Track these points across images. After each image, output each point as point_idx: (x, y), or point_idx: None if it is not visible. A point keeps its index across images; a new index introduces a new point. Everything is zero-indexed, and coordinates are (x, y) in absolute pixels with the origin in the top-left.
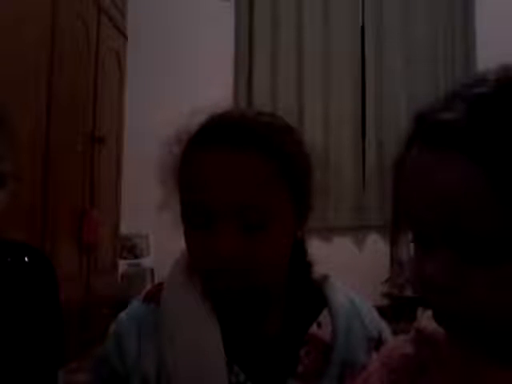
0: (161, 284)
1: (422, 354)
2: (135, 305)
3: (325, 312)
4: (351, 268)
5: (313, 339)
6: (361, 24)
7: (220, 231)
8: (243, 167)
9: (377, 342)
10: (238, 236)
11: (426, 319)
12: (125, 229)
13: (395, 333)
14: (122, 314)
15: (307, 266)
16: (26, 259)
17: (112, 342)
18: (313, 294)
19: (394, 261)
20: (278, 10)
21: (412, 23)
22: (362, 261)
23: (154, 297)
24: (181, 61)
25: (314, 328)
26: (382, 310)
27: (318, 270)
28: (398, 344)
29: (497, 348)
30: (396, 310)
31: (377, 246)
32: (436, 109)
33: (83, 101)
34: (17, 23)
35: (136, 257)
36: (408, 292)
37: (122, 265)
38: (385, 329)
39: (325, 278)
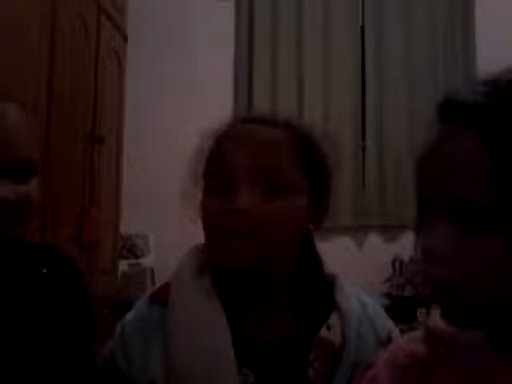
0: (166, 284)
1: (431, 353)
2: (141, 306)
3: (334, 315)
4: (351, 268)
5: (322, 343)
6: (361, 24)
7: (238, 190)
8: (269, 136)
9: (387, 343)
10: (255, 194)
11: (434, 318)
12: (125, 229)
13: None
14: (129, 316)
15: (316, 263)
16: (56, 264)
17: (118, 343)
18: (322, 294)
19: (416, 252)
20: (278, 11)
21: (412, 23)
22: (362, 261)
23: (160, 297)
24: (181, 60)
25: (323, 331)
26: None
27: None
28: (405, 342)
29: (502, 338)
30: (396, 310)
31: (377, 246)
32: (459, 91)
33: (83, 101)
34: (17, 23)
35: (136, 257)
36: (408, 292)
37: (122, 265)
38: (393, 328)
39: (334, 277)
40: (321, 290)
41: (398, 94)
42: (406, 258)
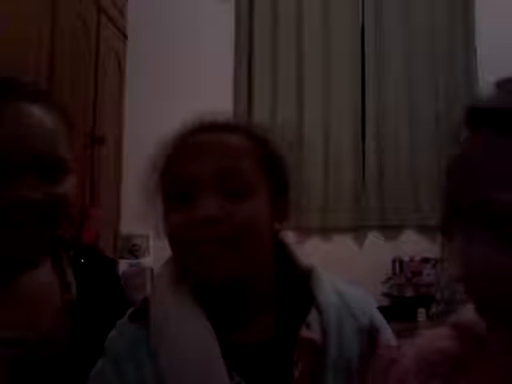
0: (145, 300)
1: (462, 349)
2: (124, 325)
3: (313, 311)
4: (351, 268)
5: (304, 342)
6: (361, 24)
7: (202, 199)
8: (228, 140)
9: (368, 329)
10: (218, 200)
11: (462, 314)
12: (125, 229)
13: (395, 333)
14: (115, 336)
15: (292, 262)
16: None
17: (109, 365)
18: (301, 290)
19: (443, 259)
20: (278, 11)
21: (412, 23)
22: (362, 261)
23: (140, 315)
24: (181, 61)
25: (303, 330)
26: (381, 310)
27: (305, 262)
28: (432, 339)
29: None
30: (396, 310)
31: (377, 246)
32: (490, 96)
33: (83, 101)
34: (17, 23)
35: (136, 257)
36: (408, 292)
37: (122, 265)
38: (375, 313)
39: (310, 271)
40: (299, 287)
41: (398, 94)
42: (406, 258)
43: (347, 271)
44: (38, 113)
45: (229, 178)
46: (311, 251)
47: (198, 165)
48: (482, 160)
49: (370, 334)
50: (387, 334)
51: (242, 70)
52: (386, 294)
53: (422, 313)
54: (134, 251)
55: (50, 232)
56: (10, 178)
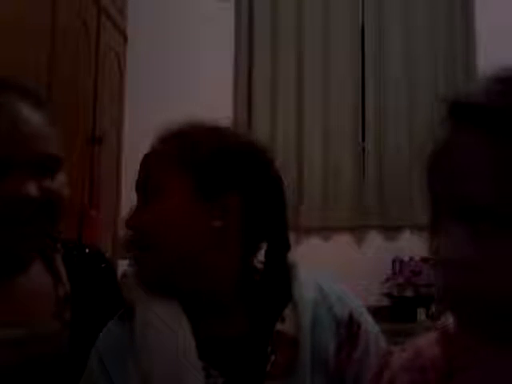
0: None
1: (452, 355)
2: (113, 323)
3: (290, 306)
4: (351, 268)
5: (278, 335)
6: (361, 24)
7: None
8: (153, 150)
9: (347, 323)
10: (137, 207)
11: (446, 319)
12: (124, 228)
13: (395, 333)
14: (103, 334)
15: (273, 260)
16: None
17: (96, 362)
18: (280, 288)
19: (431, 255)
20: (278, 11)
21: (412, 23)
22: (362, 261)
23: (127, 313)
24: (181, 61)
25: (278, 324)
26: (382, 310)
27: (292, 259)
28: (421, 345)
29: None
30: (396, 310)
31: (377, 246)
32: (471, 90)
33: (83, 101)
34: (17, 23)
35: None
36: (408, 292)
37: (122, 265)
38: (356, 308)
39: (291, 268)
40: (278, 283)
41: (398, 93)
42: (406, 258)
43: (347, 271)
44: (33, 112)
45: (144, 183)
46: (311, 251)
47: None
48: (457, 154)
49: (350, 328)
50: (371, 330)
51: (241, 70)
52: (386, 294)
53: (421, 313)
54: None
55: (48, 229)
56: (7, 176)
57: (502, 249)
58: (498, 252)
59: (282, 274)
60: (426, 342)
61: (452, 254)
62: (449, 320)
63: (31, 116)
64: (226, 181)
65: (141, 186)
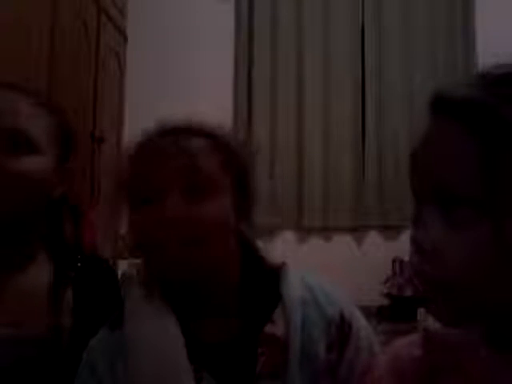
0: (122, 307)
1: (433, 358)
2: (104, 333)
3: (279, 307)
4: (351, 268)
5: (267, 337)
6: (361, 24)
7: (165, 198)
8: (189, 142)
9: (338, 322)
10: (182, 198)
11: (428, 320)
12: (124, 229)
13: (395, 333)
14: (93, 343)
15: (259, 261)
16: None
17: (86, 370)
18: (269, 289)
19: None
20: (278, 11)
21: (412, 23)
22: (362, 261)
23: (117, 321)
24: (181, 61)
25: (268, 326)
26: (382, 310)
27: (272, 260)
28: (406, 346)
29: (500, 335)
30: (396, 310)
31: (377, 246)
32: (449, 85)
33: (83, 101)
34: (17, 23)
35: (136, 257)
36: (408, 292)
37: (122, 265)
38: (348, 308)
39: (279, 268)
40: (268, 285)
41: (398, 94)
42: (406, 258)
43: (347, 271)
44: (15, 96)
45: (191, 175)
46: (311, 251)
47: (160, 165)
48: (438, 145)
49: (341, 328)
50: (362, 330)
51: (242, 70)
52: (386, 294)
53: (421, 313)
54: None
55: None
56: None
57: (477, 237)
58: (474, 240)
59: (261, 275)
60: (410, 343)
61: (427, 241)
62: (430, 321)
63: (8, 95)
64: (250, 186)
65: (184, 176)
